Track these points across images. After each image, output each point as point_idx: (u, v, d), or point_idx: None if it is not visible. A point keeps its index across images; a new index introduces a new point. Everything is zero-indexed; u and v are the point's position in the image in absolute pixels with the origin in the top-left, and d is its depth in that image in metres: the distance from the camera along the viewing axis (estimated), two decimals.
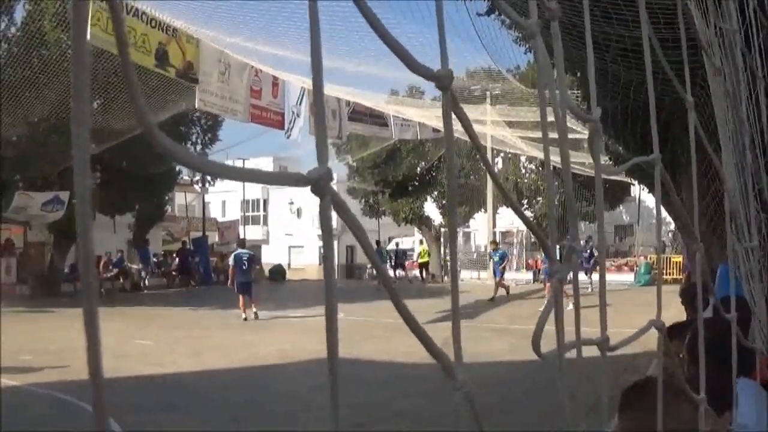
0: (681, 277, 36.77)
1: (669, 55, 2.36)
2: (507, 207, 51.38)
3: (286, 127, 25.89)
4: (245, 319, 26.41)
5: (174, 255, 50.43)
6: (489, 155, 42.73)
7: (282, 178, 0.88)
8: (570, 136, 1.59)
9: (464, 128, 1.24)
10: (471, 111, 28.90)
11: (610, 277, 37.61)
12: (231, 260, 28.37)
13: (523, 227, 52.13)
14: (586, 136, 1.72)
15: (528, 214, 49.32)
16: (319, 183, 0.86)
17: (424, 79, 1.10)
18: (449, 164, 1.29)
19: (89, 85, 0.71)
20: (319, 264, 68.12)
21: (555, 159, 1.63)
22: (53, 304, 32.29)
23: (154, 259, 47.99)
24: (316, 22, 0.89)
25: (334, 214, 0.91)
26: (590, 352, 1.52)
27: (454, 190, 1.51)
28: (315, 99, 0.94)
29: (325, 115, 0.95)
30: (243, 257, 28.08)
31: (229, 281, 29.00)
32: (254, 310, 27.00)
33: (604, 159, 18.03)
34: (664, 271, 44.25)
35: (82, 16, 0.74)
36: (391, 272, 46.93)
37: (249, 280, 27.91)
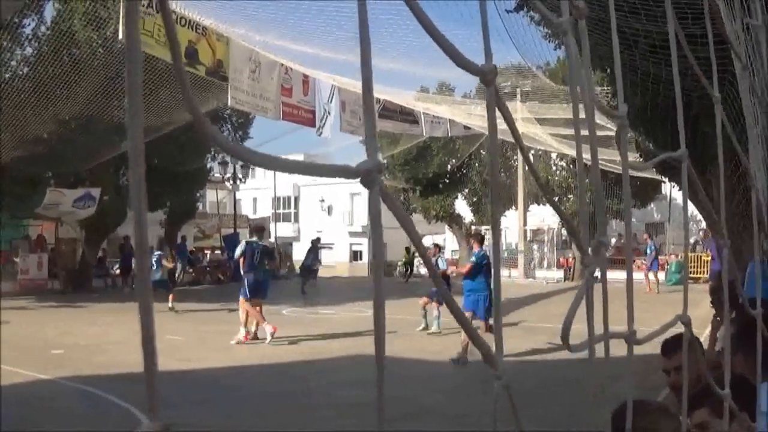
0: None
1: (698, 51, 2.35)
2: (539, 205, 51.33)
3: (317, 125, 25.89)
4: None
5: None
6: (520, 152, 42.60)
7: (333, 170, 0.90)
8: (601, 133, 1.61)
9: (506, 123, 1.25)
10: None
11: (639, 275, 37.44)
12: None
13: (554, 225, 51.95)
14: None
15: None
16: (369, 175, 0.87)
17: (470, 73, 1.12)
18: (493, 158, 1.30)
19: (141, 84, 0.73)
20: (350, 261, 68.18)
21: (586, 156, 1.63)
22: (84, 299, 32.54)
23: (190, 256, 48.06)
24: (365, 21, 0.91)
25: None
26: (618, 351, 1.53)
27: (498, 184, 1.50)
28: (364, 94, 0.95)
29: (374, 110, 0.97)
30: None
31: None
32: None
33: (634, 156, 17.94)
34: (695, 271, 44.01)
35: (134, 15, 0.75)
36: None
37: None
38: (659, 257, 41.97)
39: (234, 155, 0.84)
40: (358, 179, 0.90)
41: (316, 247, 41.30)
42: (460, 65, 1.08)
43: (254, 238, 21.02)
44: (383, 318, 0.92)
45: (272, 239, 59.78)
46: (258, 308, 20.22)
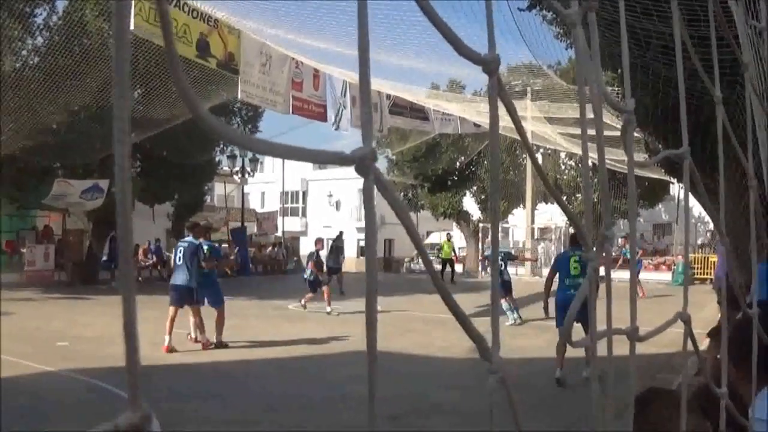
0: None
1: (710, 53, 2.35)
2: (547, 203, 51.30)
3: (331, 120, 25.86)
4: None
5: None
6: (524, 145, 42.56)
7: (326, 156, 0.89)
8: (610, 133, 1.60)
9: (509, 113, 1.25)
10: None
11: (647, 275, 37.43)
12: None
13: (561, 224, 51.88)
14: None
15: None
16: (363, 162, 0.86)
17: (472, 62, 1.11)
18: (493, 151, 1.30)
19: (129, 77, 0.72)
20: (358, 257, 68.15)
21: (592, 155, 1.62)
22: (91, 291, 32.59)
23: None
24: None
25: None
26: (624, 350, 1.52)
27: (497, 178, 1.49)
28: (360, 79, 0.94)
29: (370, 97, 0.96)
30: None
31: None
32: None
33: (642, 156, 17.90)
34: (702, 271, 44.05)
35: (123, 10, 0.75)
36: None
37: None
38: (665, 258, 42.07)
39: (226, 140, 0.83)
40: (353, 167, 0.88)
41: (338, 245, 38.79)
42: (461, 54, 1.07)
43: (188, 238, 19.53)
44: (375, 311, 0.91)
45: (279, 233, 59.65)
46: (193, 314, 18.62)
